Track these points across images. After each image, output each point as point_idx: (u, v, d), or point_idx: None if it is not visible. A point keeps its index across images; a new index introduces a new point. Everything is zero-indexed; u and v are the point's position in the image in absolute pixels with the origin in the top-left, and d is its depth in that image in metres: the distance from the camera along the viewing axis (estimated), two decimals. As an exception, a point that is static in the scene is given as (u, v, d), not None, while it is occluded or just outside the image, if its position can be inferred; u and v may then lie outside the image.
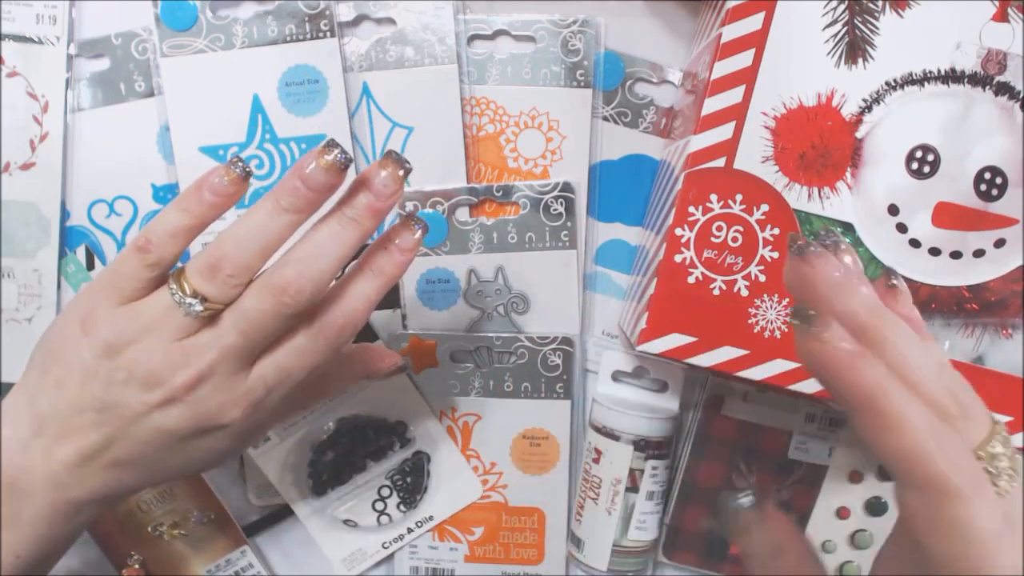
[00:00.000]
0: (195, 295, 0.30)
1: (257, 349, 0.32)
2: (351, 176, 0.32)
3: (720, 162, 0.36)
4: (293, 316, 0.31)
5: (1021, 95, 0.35)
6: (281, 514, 0.47)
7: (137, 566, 0.45)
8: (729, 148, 0.36)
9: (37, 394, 0.32)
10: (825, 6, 0.35)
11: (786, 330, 0.36)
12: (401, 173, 0.32)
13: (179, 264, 0.32)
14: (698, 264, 0.36)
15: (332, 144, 0.31)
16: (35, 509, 0.32)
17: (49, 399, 0.32)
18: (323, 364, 0.33)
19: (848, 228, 0.36)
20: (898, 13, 0.35)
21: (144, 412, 0.31)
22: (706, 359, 0.36)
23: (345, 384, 0.38)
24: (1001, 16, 0.35)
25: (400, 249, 0.33)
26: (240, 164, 0.31)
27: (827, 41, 0.36)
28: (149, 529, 0.45)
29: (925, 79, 0.36)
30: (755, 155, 0.36)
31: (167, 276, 0.32)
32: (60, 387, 0.32)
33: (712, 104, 0.36)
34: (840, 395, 0.25)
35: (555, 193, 0.44)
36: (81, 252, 0.44)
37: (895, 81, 0.36)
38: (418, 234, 0.33)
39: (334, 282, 0.32)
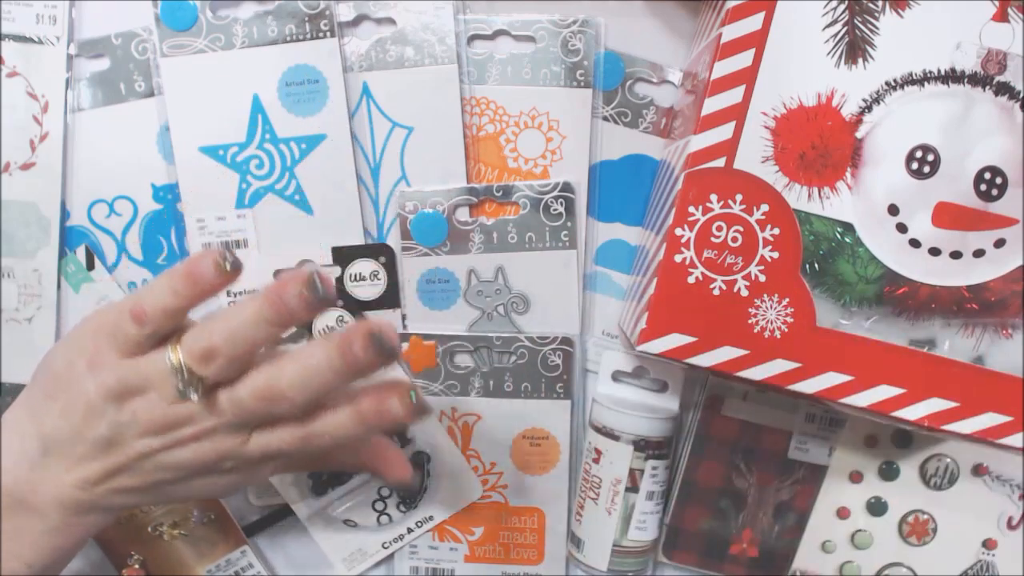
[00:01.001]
0: (191, 380, 0.31)
1: (252, 425, 0.33)
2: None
3: (720, 162, 0.36)
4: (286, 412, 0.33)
5: (1021, 95, 0.35)
6: (281, 514, 0.47)
7: (137, 566, 0.45)
8: (729, 148, 0.36)
9: (42, 415, 0.33)
10: (825, 6, 0.35)
11: (786, 330, 0.36)
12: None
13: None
14: (698, 264, 0.36)
15: (314, 280, 0.31)
16: (44, 524, 0.33)
17: (54, 423, 0.33)
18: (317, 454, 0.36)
19: (848, 228, 0.36)
20: (898, 13, 0.35)
21: (149, 454, 0.33)
22: (706, 359, 0.36)
23: (348, 468, 0.41)
24: (1001, 16, 0.35)
25: (389, 413, 0.34)
26: (230, 259, 0.32)
27: (827, 41, 0.36)
28: (149, 529, 0.45)
29: (925, 79, 0.36)
30: (755, 155, 0.36)
31: (167, 338, 0.33)
32: (65, 416, 0.33)
33: (712, 104, 0.36)
34: None
35: (555, 193, 0.44)
36: (81, 252, 0.44)
37: (895, 81, 0.36)
38: (407, 411, 0.33)
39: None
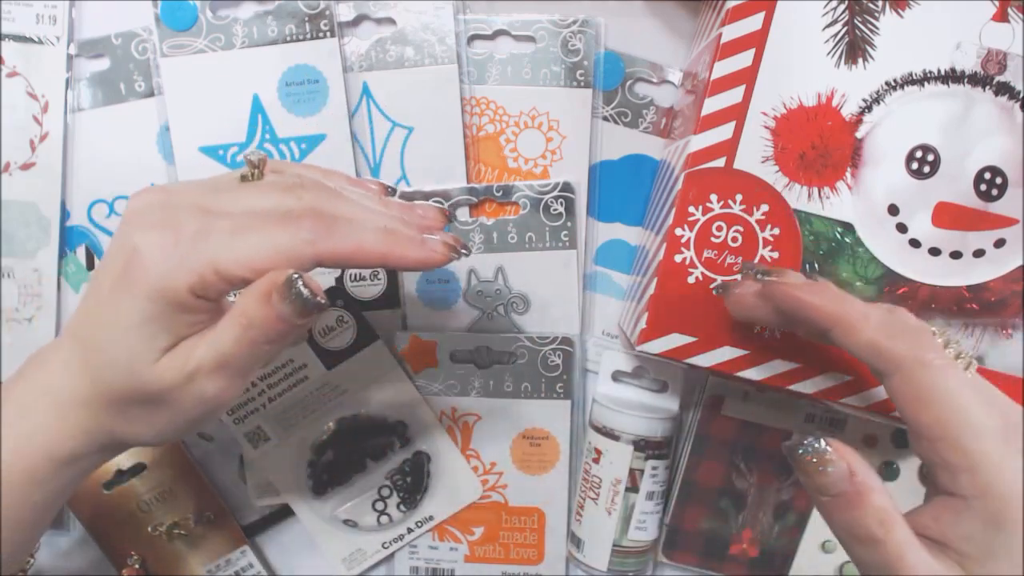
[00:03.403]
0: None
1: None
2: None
3: (720, 162, 0.36)
4: None
5: (1021, 95, 0.35)
6: (281, 514, 0.47)
7: (137, 566, 0.45)
8: (729, 148, 0.36)
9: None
10: (825, 6, 0.35)
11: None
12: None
13: None
14: (698, 264, 0.36)
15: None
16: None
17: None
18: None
19: (848, 228, 0.36)
20: (898, 13, 0.35)
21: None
22: (706, 359, 0.36)
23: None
24: (1001, 16, 0.35)
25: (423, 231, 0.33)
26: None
27: (827, 41, 0.36)
28: (149, 529, 0.45)
29: (925, 79, 0.36)
30: (755, 155, 0.36)
31: None
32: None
33: (712, 104, 0.36)
34: (809, 320, 0.30)
35: (555, 193, 0.44)
36: (81, 252, 0.44)
37: (895, 81, 0.36)
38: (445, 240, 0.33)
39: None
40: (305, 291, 0.28)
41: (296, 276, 0.28)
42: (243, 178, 0.31)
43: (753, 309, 0.33)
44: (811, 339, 0.31)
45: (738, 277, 0.36)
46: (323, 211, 0.30)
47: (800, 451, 0.28)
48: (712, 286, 0.36)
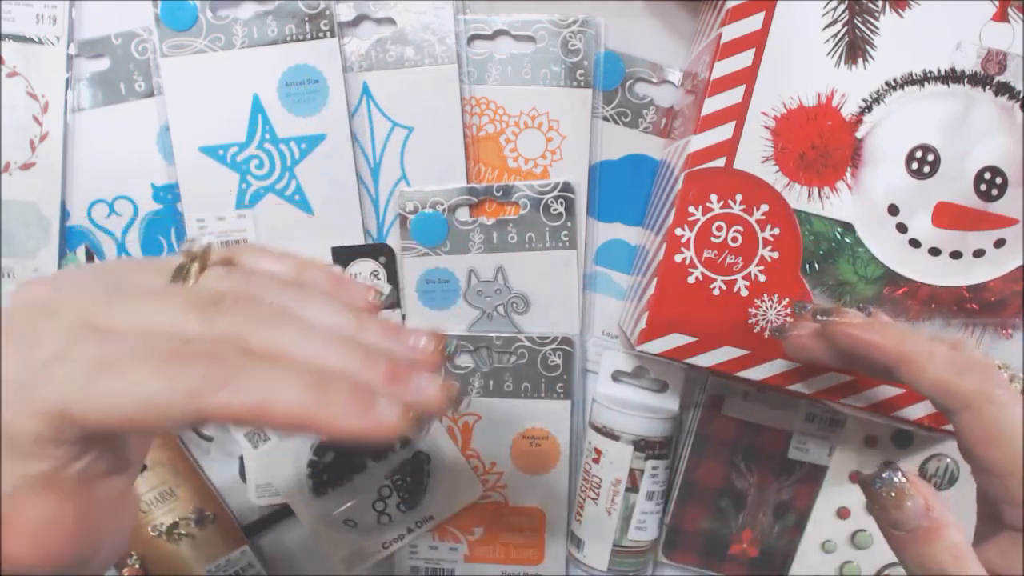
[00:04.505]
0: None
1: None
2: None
3: (720, 162, 0.36)
4: None
5: (1021, 95, 0.35)
6: (281, 514, 0.47)
7: (137, 566, 0.45)
8: (729, 148, 0.36)
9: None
10: (825, 6, 0.35)
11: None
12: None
13: None
14: (698, 264, 0.36)
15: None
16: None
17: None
18: None
19: (848, 228, 0.36)
20: (898, 13, 0.35)
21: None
22: (706, 359, 0.36)
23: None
24: (1001, 16, 0.35)
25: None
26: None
27: (827, 41, 0.36)
28: (149, 529, 0.45)
29: (925, 79, 0.36)
30: (755, 155, 0.36)
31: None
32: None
33: (712, 104, 0.36)
34: (872, 360, 0.29)
35: (555, 193, 0.44)
36: (81, 252, 0.44)
37: (895, 81, 0.36)
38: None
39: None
40: None
41: None
42: (176, 271, 0.25)
43: (811, 351, 0.32)
44: (872, 376, 0.30)
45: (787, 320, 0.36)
46: (232, 347, 0.23)
47: (877, 485, 0.27)
48: (768, 329, 0.36)
